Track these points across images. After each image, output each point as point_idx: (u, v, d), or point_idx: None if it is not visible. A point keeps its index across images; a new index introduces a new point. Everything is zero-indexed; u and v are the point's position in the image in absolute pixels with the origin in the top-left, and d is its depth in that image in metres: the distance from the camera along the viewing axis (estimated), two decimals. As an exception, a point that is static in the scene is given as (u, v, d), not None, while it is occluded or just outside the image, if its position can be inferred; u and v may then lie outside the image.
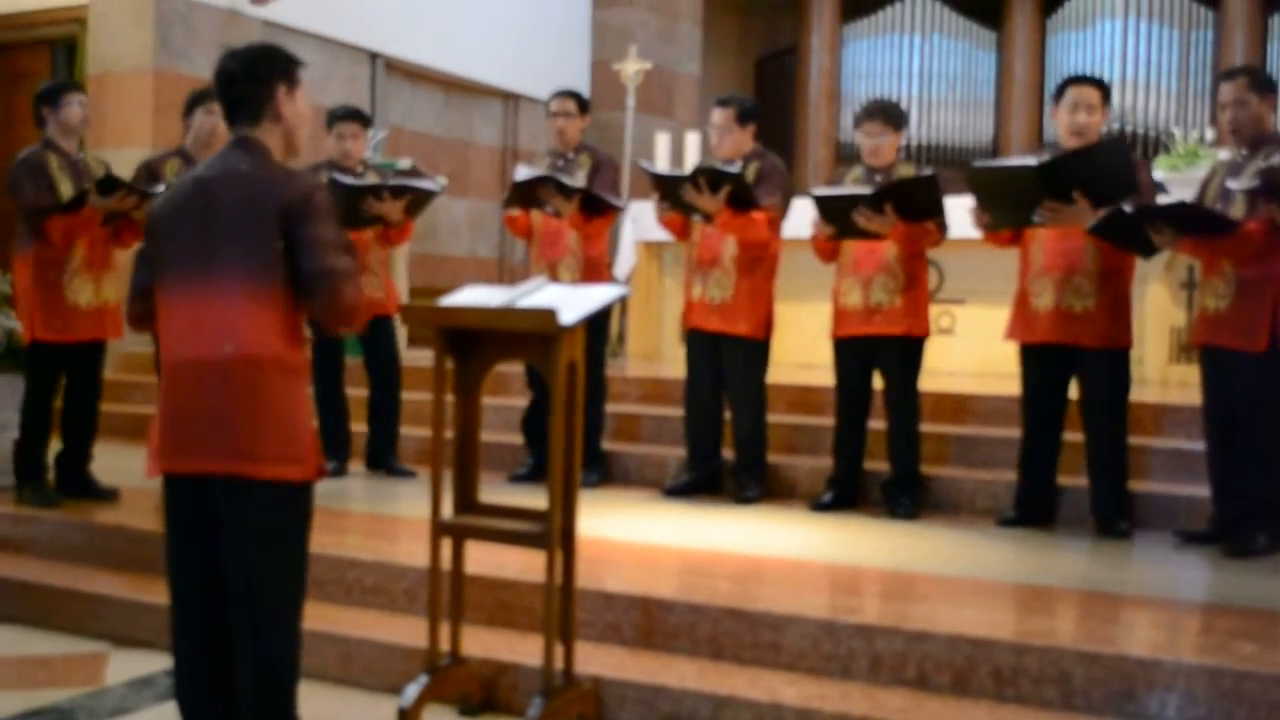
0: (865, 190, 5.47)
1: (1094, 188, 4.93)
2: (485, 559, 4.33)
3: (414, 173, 7.54)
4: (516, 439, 6.57)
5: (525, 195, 6.18)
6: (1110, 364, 5.25)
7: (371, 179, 6.50)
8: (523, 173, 6.20)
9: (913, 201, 5.42)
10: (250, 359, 3.00)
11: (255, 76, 3.16)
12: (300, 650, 3.14)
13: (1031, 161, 5.05)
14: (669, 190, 5.84)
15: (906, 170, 5.69)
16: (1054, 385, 5.37)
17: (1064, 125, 5.26)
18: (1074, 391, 5.37)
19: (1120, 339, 5.25)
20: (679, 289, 8.85)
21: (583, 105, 6.43)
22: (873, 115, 5.74)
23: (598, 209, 6.12)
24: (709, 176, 5.67)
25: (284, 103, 3.18)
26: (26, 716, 4.02)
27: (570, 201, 6.04)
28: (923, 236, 5.55)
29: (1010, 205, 5.15)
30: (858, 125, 5.80)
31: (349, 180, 6.20)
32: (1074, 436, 5.43)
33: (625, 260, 9.02)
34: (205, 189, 3.09)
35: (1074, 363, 5.29)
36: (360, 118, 6.60)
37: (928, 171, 5.52)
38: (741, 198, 5.69)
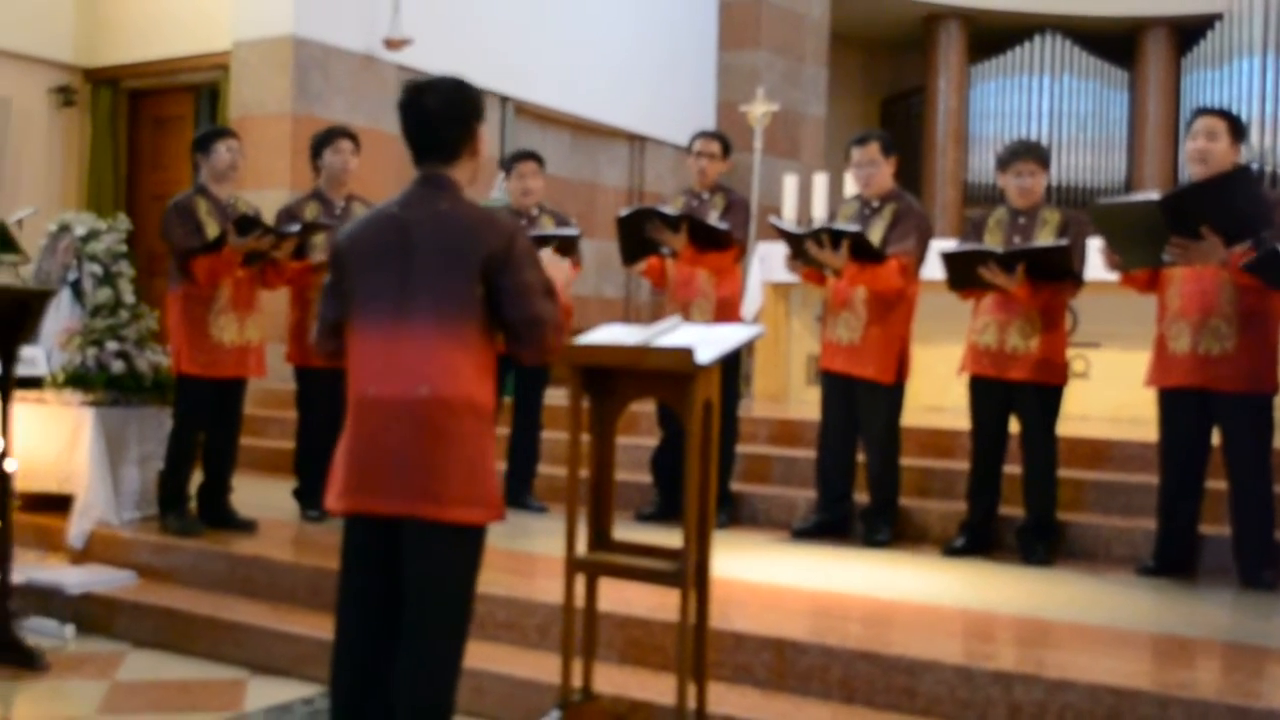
0: (996, 249, 5.41)
1: (1223, 222, 4.75)
2: (614, 596, 4.34)
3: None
4: (644, 478, 6.58)
5: (636, 240, 6.26)
6: (1251, 410, 5.07)
7: (546, 222, 6.61)
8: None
9: (1046, 266, 5.35)
10: (444, 401, 3.01)
11: (458, 118, 3.18)
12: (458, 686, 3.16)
13: (1154, 196, 4.93)
14: (796, 246, 5.88)
15: (1050, 215, 5.57)
16: (1194, 431, 5.21)
17: (1188, 153, 5.14)
18: (1216, 437, 5.23)
19: (1262, 384, 5.07)
20: (806, 330, 8.85)
21: (726, 148, 6.53)
22: (1025, 155, 5.59)
23: (711, 240, 6.14)
24: (830, 235, 5.70)
25: (479, 139, 3.22)
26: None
27: (678, 233, 6.10)
28: (1053, 295, 5.47)
29: (1138, 244, 5.01)
30: (1005, 166, 5.64)
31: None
32: (1217, 484, 5.28)
33: (752, 301, 9.02)
34: (404, 227, 3.10)
35: (1214, 408, 5.13)
36: (536, 157, 6.76)
37: (1063, 241, 5.36)
38: (865, 250, 5.69)
